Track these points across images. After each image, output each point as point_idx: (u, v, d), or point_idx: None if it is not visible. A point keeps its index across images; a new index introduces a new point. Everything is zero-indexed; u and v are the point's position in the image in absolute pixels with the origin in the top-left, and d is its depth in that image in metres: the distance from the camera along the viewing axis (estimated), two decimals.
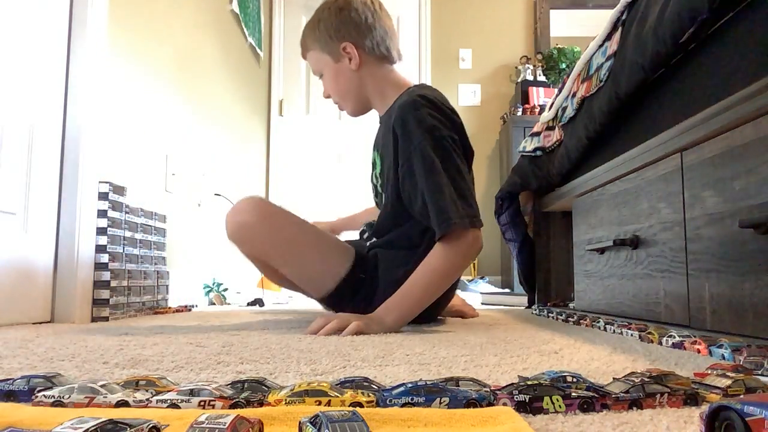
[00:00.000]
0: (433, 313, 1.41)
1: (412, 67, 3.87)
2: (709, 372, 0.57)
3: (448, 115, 1.27)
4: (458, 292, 3.08)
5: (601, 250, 1.49)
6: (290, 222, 1.33)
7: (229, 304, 2.46)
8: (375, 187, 1.50)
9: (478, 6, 3.94)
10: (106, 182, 1.57)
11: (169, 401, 0.45)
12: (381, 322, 1.12)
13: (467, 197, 1.20)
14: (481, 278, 3.12)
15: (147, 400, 0.46)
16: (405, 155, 1.23)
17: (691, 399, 0.47)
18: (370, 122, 4.44)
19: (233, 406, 0.44)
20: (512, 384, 0.48)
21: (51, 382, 0.50)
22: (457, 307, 1.64)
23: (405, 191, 1.26)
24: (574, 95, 1.62)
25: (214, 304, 2.46)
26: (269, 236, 1.30)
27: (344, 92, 1.40)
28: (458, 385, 0.50)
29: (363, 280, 1.33)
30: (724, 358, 0.74)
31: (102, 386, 0.47)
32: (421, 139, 1.20)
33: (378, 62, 1.38)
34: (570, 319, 1.40)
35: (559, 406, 0.45)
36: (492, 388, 0.49)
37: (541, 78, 3.69)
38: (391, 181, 1.30)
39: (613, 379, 0.52)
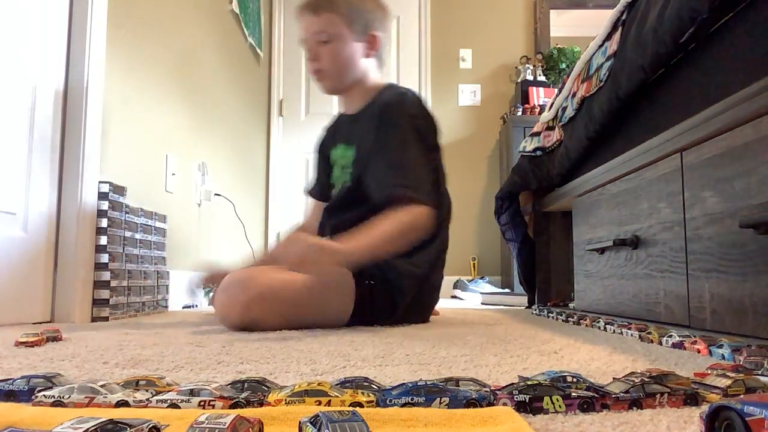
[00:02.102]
0: (426, 315, 1.46)
1: (412, 67, 3.87)
2: (709, 372, 0.57)
3: (426, 109, 1.41)
4: (458, 291, 3.08)
5: (601, 250, 1.49)
6: (283, 299, 1.22)
7: None
8: (336, 181, 1.48)
9: (478, 6, 3.94)
10: (106, 182, 1.57)
11: (169, 401, 0.45)
12: (343, 252, 1.13)
13: (419, 176, 1.30)
14: (481, 278, 3.12)
15: (147, 400, 0.46)
16: (385, 130, 1.32)
17: (691, 399, 0.47)
18: None
19: (233, 406, 0.44)
20: (512, 384, 0.48)
21: (51, 382, 0.50)
22: None
23: (371, 164, 1.33)
24: (574, 95, 1.62)
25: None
26: (278, 320, 1.20)
27: (339, 70, 1.37)
28: (458, 385, 0.50)
29: (372, 285, 1.29)
30: (724, 358, 0.74)
31: (102, 386, 0.47)
32: (402, 123, 1.32)
33: (377, 63, 1.44)
34: (570, 319, 1.40)
35: (559, 406, 0.45)
36: (492, 388, 0.49)
37: (541, 78, 3.69)
38: (357, 163, 1.39)
39: (613, 379, 0.52)
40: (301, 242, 1.12)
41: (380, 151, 1.31)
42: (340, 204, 1.43)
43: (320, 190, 1.58)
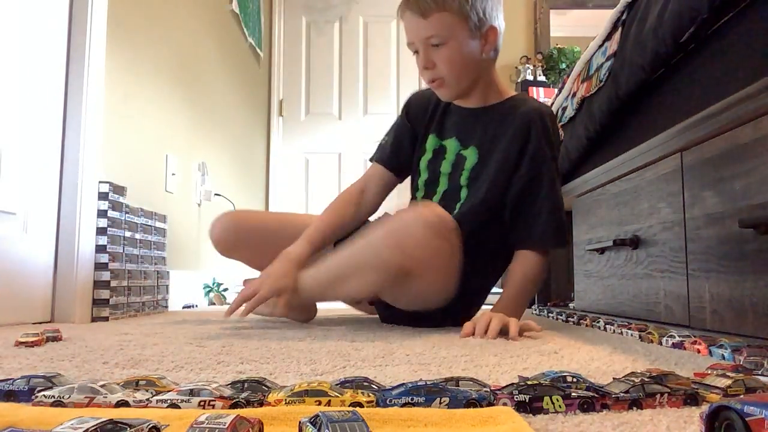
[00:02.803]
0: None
1: (412, 67, 3.86)
2: (709, 372, 0.57)
3: (557, 129, 1.35)
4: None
5: (601, 250, 1.49)
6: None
7: (229, 304, 2.46)
8: (442, 176, 1.34)
9: None
10: (106, 182, 1.57)
11: (169, 401, 0.45)
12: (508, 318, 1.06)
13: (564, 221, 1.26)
14: None
15: (147, 400, 0.46)
16: (536, 162, 1.22)
17: (691, 399, 0.47)
18: (371, 122, 4.40)
19: (233, 406, 0.44)
20: (512, 384, 0.48)
21: (51, 382, 0.50)
22: None
23: (517, 194, 1.23)
24: (574, 95, 1.62)
25: (214, 304, 2.46)
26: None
27: (459, 74, 1.24)
28: (458, 385, 0.50)
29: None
30: (724, 358, 0.74)
31: (102, 386, 0.47)
32: (555, 154, 1.27)
33: (494, 56, 1.29)
34: (570, 319, 1.40)
35: (559, 406, 0.45)
36: (492, 388, 0.49)
37: (541, 78, 3.69)
38: (493, 180, 1.25)
39: (613, 379, 0.52)
40: (499, 318, 1.05)
41: (537, 186, 1.22)
42: (471, 214, 1.25)
43: (397, 162, 1.41)
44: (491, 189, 1.24)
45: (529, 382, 0.47)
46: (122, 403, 0.45)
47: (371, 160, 1.44)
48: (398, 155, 1.40)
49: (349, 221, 1.36)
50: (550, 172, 1.23)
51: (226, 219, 1.43)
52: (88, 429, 0.33)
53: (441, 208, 1.13)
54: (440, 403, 0.45)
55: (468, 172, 1.29)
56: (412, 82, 3.84)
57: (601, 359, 0.75)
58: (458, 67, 1.22)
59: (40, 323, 1.41)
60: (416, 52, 1.23)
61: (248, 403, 0.45)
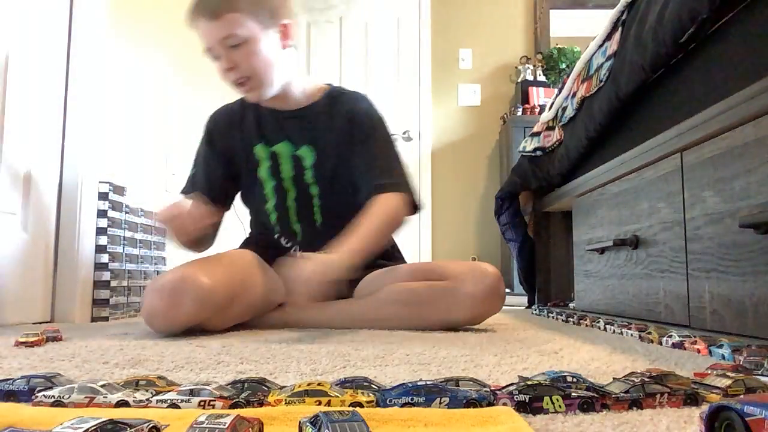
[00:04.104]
0: None
1: (413, 67, 3.87)
2: (709, 372, 0.57)
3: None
4: None
5: (601, 250, 1.49)
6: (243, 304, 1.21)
7: None
8: (286, 181, 1.34)
9: (478, 6, 3.94)
10: (106, 182, 1.57)
11: (169, 401, 0.45)
12: (342, 262, 1.09)
13: (401, 171, 1.32)
14: None
15: (147, 400, 0.46)
16: (365, 134, 1.31)
17: (691, 399, 0.47)
18: None
19: (233, 406, 0.44)
20: (512, 384, 0.48)
21: (51, 382, 0.50)
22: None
23: (359, 161, 1.30)
24: (574, 95, 1.62)
25: None
26: (231, 322, 1.20)
27: (265, 72, 1.21)
28: (458, 385, 0.50)
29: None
30: (724, 358, 0.74)
31: (102, 386, 0.47)
32: (381, 123, 1.34)
33: (295, 53, 1.30)
34: (570, 319, 1.40)
35: (559, 406, 0.45)
36: (492, 388, 0.49)
37: (541, 78, 3.69)
38: (337, 170, 1.32)
39: (613, 379, 0.52)
40: (307, 276, 1.03)
41: (370, 159, 1.29)
42: (332, 208, 1.34)
43: (214, 192, 1.34)
44: (341, 184, 1.33)
45: (529, 382, 0.47)
46: (122, 403, 0.45)
47: (183, 193, 1.37)
48: (212, 186, 1.35)
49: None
50: (383, 134, 1.34)
51: (194, 296, 1.06)
52: (88, 429, 0.33)
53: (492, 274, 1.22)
54: (440, 403, 0.45)
55: (311, 171, 1.33)
56: (412, 82, 3.85)
57: (601, 359, 0.75)
58: (261, 63, 1.20)
59: (40, 323, 1.41)
60: (217, 57, 1.19)
61: (248, 403, 0.45)
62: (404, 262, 1.45)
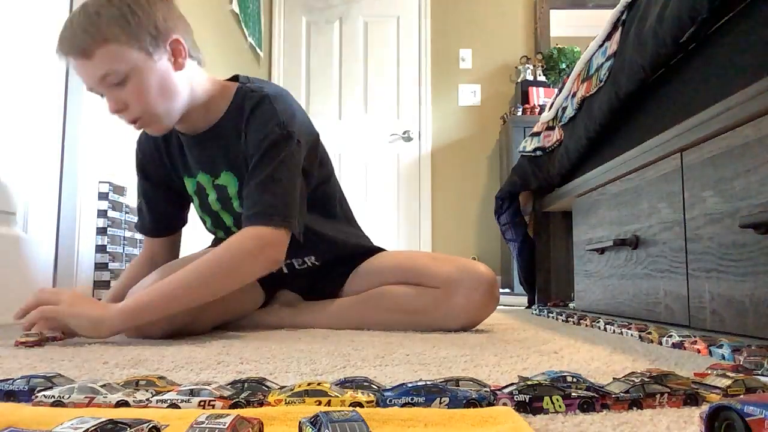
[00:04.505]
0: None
1: (412, 67, 3.87)
2: (709, 372, 0.57)
3: (297, 114, 1.13)
4: None
5: (601, 250, 1.49)
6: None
7: None
8: (220, 213, 1.21)
9: (478, 6, 3.94)
10: (106, 182, 1.57)
11: (169, 401, 0.45)
12: (110, 324, 0.91)
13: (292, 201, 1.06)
14: None
15: (147, 400, 0.46)
16: (254, 147, 1.07)
17: (691, 399, 0.47)
18: (371, 122, 4.38)
19: (233, 406, 0.44)
20: (512, 384, 0.48)
21: (51, 382, 0.50)
22: None
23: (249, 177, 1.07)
24: (574, 95, 1.62)
25: None
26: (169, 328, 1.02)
27: (160, 99, 1.02)
28: (458, 385, 0.50)
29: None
30: (724, 358, 0.74)
31: (102, 386, 0.47)
32: (276, 133, 1.06)
33: (197, 62, 1.12)
34: (570, 319, 1.40)
35: (559, 406, 0.45)
36: (492, 388, 0.49)
37: (541, 78, 3.69)
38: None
39: (613, 379, 0.52)
40: (47, 309, 0.93)
41: (250, 181, 1.06)
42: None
43: (164, 225, 1.27)
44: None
45: (529, 382, 0.47)
46: (122, 403, 0.45)
47: (136, 228, 1.30)
48: (160, 218, 1.25)
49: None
50: (273, 149, 1.05)
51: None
52: (88, 429, 0.33)
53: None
54: (440, 403, 0.45)
55: (237, 200, 1.16)
56: (412, 82, 3.85)
57: (601, 359, 0.75)
58: (154, 95, 1.01)
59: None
60: (102, 95, 1.02)
61: (248, 403, 0.45)
62: (380, 249, 1.33)
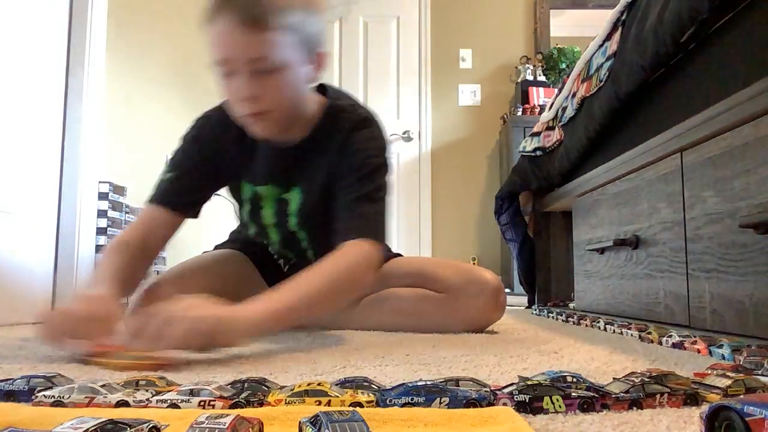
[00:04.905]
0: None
1: (413, 67, 3.87)
2: (709, 372, 0.57)
3: (385, 135, 1.12)
4: None
5: (601, 250, 1.49)
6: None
7: None
8: (268, 228, 1.18)
9: (478, 6, 3.94)
10: (106, 182, 1.57)
11: (169, 401, 0.45)
12: (245, 323, 0.79)
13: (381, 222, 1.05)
14: None
15: (147, 400, 0.46)
16: (354, 167, 1.04)
17: (691, 399, 0.47)
18: None
19: (233, 406, 0.44)
20: (512, 384, 0.48)
21: (51, 382, 0.50)
22: None
23: (343, 195, 1.05)
24: (574, 95, 1.62)
25: None
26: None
27: (290, 105, 0.99)
28: (458, 385, 0.50)
29: None
30: (724, 358, 0.74)
31: (102, 386, 0.47)
32: (376, 156, 1.06)
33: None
34: (570, 319, 1.40)
35: (559, 406, 0.45)
36: (492, 388, 0.49)
37: (541, 78, 3.69)
38: (321, 211, 1.09)
39: (613, 379, 0.52)
40: (184, 318, 0.73)
41: (351, 198, 1.02)
42: (324, 249, 1.00)
43: (186, 201, 1.12)
44: (328, 217, 1.05)
45: (529, 382, 0.47)
46: (122, 403, 0.45)
47: (150, 201, 1.11)
48: (188, 193, 1.13)
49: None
50: (374, 172, 1.05)
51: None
52: (88, 429, 0.33)
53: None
54: (440, 403, 0.45)
55: (295, 218, 1.13)
56: (412, 82, 3.85)
57: (601, 359, 0.75)
58: (289, 96, 0.97)
59: (41, 323, 1.41)
60: (230, 75, 0.93)
61: (248, 403, 0.45)
62: (397, 255, 1.33)
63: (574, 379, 0.52)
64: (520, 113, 3.51)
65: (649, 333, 0.97)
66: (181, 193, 1.12)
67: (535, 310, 1.84)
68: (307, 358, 0.75)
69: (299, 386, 0.47)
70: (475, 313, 1.15)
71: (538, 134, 1.93)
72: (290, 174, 1.11)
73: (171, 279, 1.10)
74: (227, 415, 0.35)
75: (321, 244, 1.09)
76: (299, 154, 1.09)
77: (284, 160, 1.10)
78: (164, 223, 1.10)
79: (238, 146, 1.11)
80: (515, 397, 0.45)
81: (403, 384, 0.48)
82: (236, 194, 1.19)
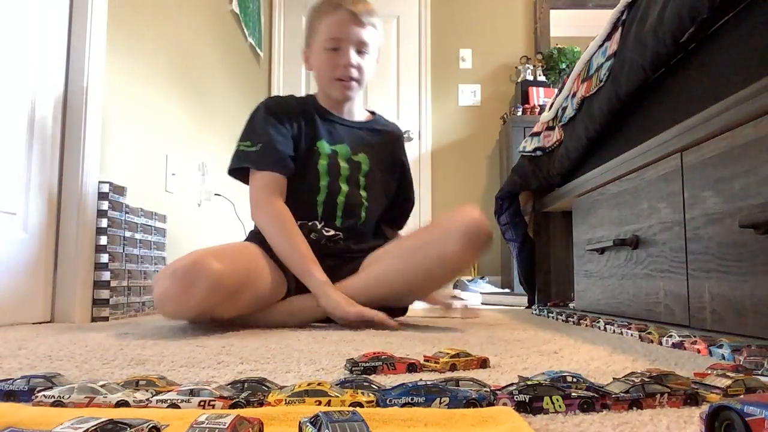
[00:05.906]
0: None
1: (412, 67, 3.87)
2: (709, 372, 0.57)
3: None
4: (458, 292, 3.09)
5: (601, 250, 1.49)
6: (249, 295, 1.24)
7: None
8: (342, 179, 1.45)
9: (478, 6, 3.94)
10: (106, 182, 1.57)
11: (169, 401, 0.45)
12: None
13: None
14: (481, 278, 3.12)
15: (147, 400, 0.46)
16: (406, 170, 1.62)
17: (691, 399, 0.47)
18: None
19: (233, 406, 0.44)
20: (512, 384, 0.48)
21: (51, 382, 0.50)
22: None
23: (403, 191, 1.61)
24: (574, 95, 1.62)
25: None
26: (237, 312, 1.23)
27: (367, 78, 1.46)
28: (458, 385, 0.50)
29: None
30: (724, 358, 0.74)
31: (102, 386, 0.47)
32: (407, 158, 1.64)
33: None
34: (570, 319, 1.40)
35: (559, 406, 0.45)
36: (492, 388, 0.49)
37: (541, 78, 3.69)
38: (384, 188, 1.53)
39: (613, 379, 0.52)
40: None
41: (407, 191, 1.63)
42: (372, 216, 1.50)
43: (290, 165, 1.39)
44: (384, 195, 1.53)
45: (529, 382, 0.47)
46: (122, 403, 0.45)
47: (260, 168, 1.36)
48: (288, 158, 1.38)
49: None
50: (411, 178, 1.64)
51: (206, 280, 1.07)
52: (88, 429, 0.33)
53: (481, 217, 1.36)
54: (440, 403, 0.45)
55: (364, 178, 1.47)
56: (412, 82, 3.85)
57: (601, 359, 0.75)
58: (370, 72, 1.45)
59: (40, 323, 1.41)
60: (336, 49, 1.40)
61: (248, 403, 0.45)
62: None
63: (574, 379, 0.52)
64: (520, 113, 3.51)
65: (649, 333, 0.97)
66: (285, 159, 1.37)
67: (535, 310, 1.84)
68: (307, 358, 0.75)
69: (299, 386, 0.47)
70: (466, 235, 1.29)
71: (538, 134, 1.93)
72: (356, 143, 1.48)
73: (210, 249, 1.18)
74: (227, 415, 0.35)
75: (371, 211, 1.48)
76: (360, 131, 1.51)
77: (350, 131, 1.49)
78: (283, 185, 1.38)
79: (304, 117, 1.46)
80: (515, 397, 0.45)
81: (403, 384, 0.48)
82: (311, 153, 1.43)
